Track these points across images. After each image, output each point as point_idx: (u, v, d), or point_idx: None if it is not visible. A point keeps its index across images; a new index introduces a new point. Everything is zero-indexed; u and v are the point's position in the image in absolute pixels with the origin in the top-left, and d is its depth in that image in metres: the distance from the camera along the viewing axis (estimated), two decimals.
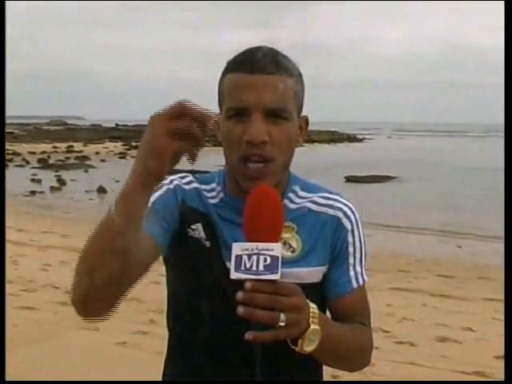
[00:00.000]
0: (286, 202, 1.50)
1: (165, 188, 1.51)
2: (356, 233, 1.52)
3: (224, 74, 1.44)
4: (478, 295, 8.14)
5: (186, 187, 1.53)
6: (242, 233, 1.22)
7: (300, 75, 1.46)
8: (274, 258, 1.16)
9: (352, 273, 1.52)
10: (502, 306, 4.74)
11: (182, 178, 1.55)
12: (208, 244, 1.47)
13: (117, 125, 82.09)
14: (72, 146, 43.36)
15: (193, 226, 1.48)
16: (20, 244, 10.43)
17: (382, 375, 5.02)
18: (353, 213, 1.53)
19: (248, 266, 1.16)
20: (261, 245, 1.17)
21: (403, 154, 43.16)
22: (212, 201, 1.52)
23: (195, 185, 1.54)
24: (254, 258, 1.16)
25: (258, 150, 1.36)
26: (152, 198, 1.43)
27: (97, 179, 23.45)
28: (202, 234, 1.48)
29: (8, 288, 6.70)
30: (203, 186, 1.54)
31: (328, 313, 1.51)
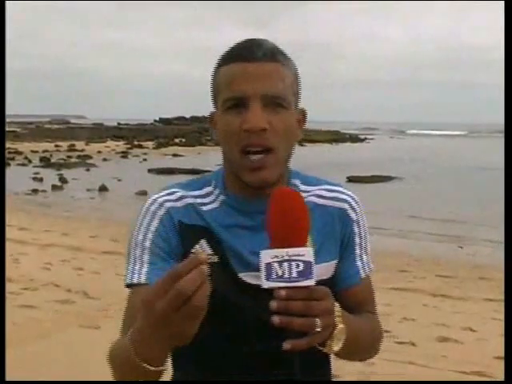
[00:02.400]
0: None
1: (158, 216, 1.43)
2: (361, 223, 1.51)
3: (218, 67, 1.40)
4: (478, 295, 8.14)
5: (179, 204, 1.44)
6: (267, 237, 1.17)
7: (296, 68, 1.43)
8: (307, 263, 1.12)
9: (359, 263, 1.52)
10: (502, 306, 4.75)
11: (170, 194, 1.46)
12: (216, 259, 1.40)
13: (119, 124, 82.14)
14: (74, 145, 43.41)
15: (196, 246, 1.41)
16: (21, 242, 10.43)
17: (382, 375, 5.02)
18: (357, 203, 1.52)
19: (280, 273, 1.12)
20: (291, 250, 1.12)
21: (405, 154, 43.12)
22: (209, 207, 1.45)
23: (187, 199, 1.45)
24: (286, 264, 1.12)
25: (258, 138, 1.33)
26: (149, 235, 1.41)
27: (98, 178, 23.46)
28: (208, 250, 1.41)
29: (9, 286, 6.72)
30: (195, 193, 1.46)
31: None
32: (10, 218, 10.91)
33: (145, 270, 1.39)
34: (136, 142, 48.80)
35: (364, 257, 1.53)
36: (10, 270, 7.50)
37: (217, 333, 1.40)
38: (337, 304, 1.26)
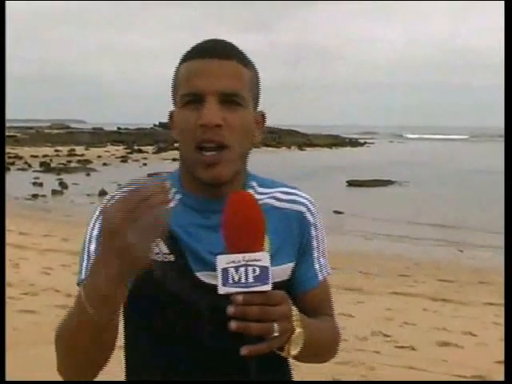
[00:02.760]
0: None
1: None
2: (318, 226, 1.51)
3: (179, 65, 1.40)
4: (478, 299, 8.14)
5: None
6: (223, 243, 1.17)
7: (257, 72, 1.43)
8: (264, 268, 1.12)
9: (317, 266, 1.50)
10: (502, 311, 4.74)
11: None
12: (172, 258, 1.37)
13: (118, 128, 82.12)
14: (74, 150, 43.43)
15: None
16: (21, 247, 10.44)
17: (383, 379, 5.01)
18: (314, 206, 1.51)
19: (236, 278, 1.12)
20: (247, 255, 1.12)
21: (404, 158, 43.13)
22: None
23: None
24: (242, 269, 1.12)
25: (213, 134, 1.32)
26: (98, 232, 1.36)
27: (98, 183, 23.46)
28: (165, 250, 1.37)
29: (9, 291, 6.71)
30: None
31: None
32: (10, 223, 10.90)
33: None
34: (136, 147, 48.82)
35: (321, 260, 1.52)
36: (10, 275, 7.49)
37: (172, 332, 1.39)
38: (295, 308, 1.26)
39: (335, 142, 71.84)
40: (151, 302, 1.39)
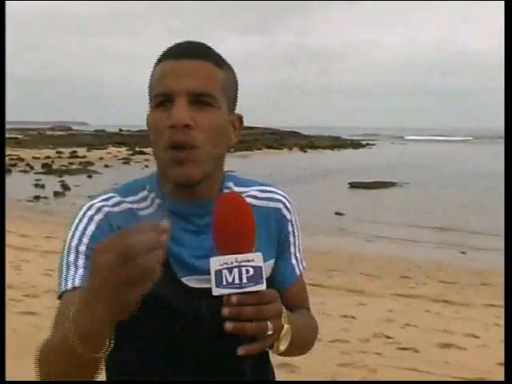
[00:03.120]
0: None
1: (95, 221, 1.38)
2: (294, 221, 1.52)
3: (154, 67, 1.39)
4: (480, 301, 8.13)
5: (116, 209, 1.40)
6: (213, 245, 1.16)
7: (231, 73, 1.41)
8: (257, 268, 1.13)
9: (294, 261, 1.53)
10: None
11: (107, 199, 1.41)
12: None
13: (120, 130, 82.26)
14: (76, 152, 43.47)
15: None
16: (23, 249, 10.44)
17: (385, 381, 5.00)
18: (290, 202, 1.52)
19: (230, 280, 1.12)
20: (240, 256, 1.13)
21: (406, 160, 43.13)
22: (146, 211, 1.41)
23: (125, 205, 1.41)
24: (236, 270, 1.12)
25: (183, 135, 1.30)
26: (85, 239, 1.36)
27: (100, 185, 23.45)
28: None
29: (10, 293, 6.71)
30: (130, 199, 1.42)
31: None
32: (11, 225, 10.91)
33: (79, 273, 1.32)
34: (138, 149, 48.86)
35: (298, 255, 1.54)
36: (11, 277, 7.50)
37: (158, 338, 1.38)
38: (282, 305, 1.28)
39: (337, 143, 71.92)
40: (137, 309, 1.37)
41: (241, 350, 1.16)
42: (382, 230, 15.49)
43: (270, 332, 1.17)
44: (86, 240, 1.36)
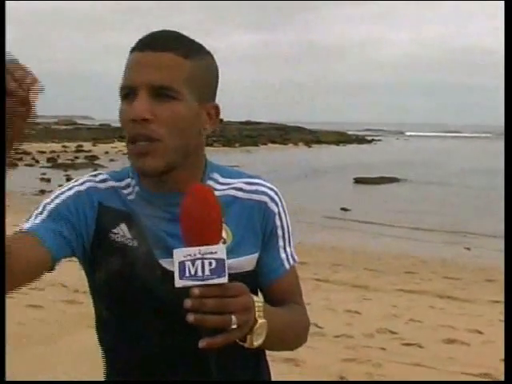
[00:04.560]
0: None
1: (74, 190, 1.42)
2: (282, 215, 1.50)
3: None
4: (484, 297, 8.12)
5: (102, 186, 1.44)
6: (181, 237, 1.17)
7: (206, 61, 1.40)
8: (220, 261, 1.13)
9: (283, 255, 1.50)
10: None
11: (95, 176, 1.47)
12: (135, 243, 1.39)
13: None
14: (81, 146, 43.51)
15: (114, 230, 1.40)
16: None
17: (389, 377, 5.01)
18: (277, 195, 1.50)
19: (193, 272, 1.12)
20: (203, 249, 1.13)
21: (411, 156, 43.08)
22: (129, 197, 1.44)
23: (111, 183, 1.45)
24: (199, 263, 1.12)
25: (143, 129, 1.31)
26: (57, 200, 1.40)
27: None
28: (128, 235, 1.40)
29: None
30: (118, 183, 1.45)
31: (261, 295, 1.47)
32: (16, 219, 10.92)
33: (36, 221, 1.35)
34: None
35: (288, 249, 1.51)
36: None
37: (134, 319, 1.40)
38: (260, 298, 1.27)
39: (342, 139, 71.84)
40: (117, 291, 1.40)
41: (201, 343, 1.15)
42: (387, 225, 15.49)
43: (234, 326, 1.15)
44: (57, 201, 1.39)
